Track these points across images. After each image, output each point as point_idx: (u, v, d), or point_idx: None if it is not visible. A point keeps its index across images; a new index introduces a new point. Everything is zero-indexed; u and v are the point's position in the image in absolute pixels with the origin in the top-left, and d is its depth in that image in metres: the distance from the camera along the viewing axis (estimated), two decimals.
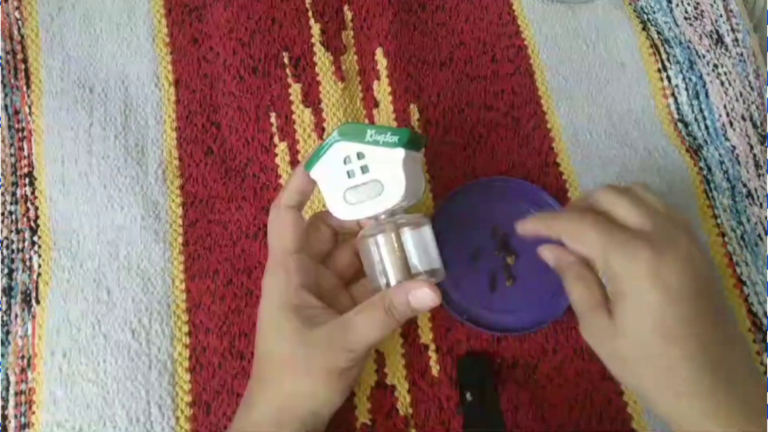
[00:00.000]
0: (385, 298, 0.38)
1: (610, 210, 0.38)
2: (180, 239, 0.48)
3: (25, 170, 0.50)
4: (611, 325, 0.36)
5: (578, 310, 0.39)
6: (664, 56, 0.55)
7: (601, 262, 0.37)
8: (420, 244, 0.40)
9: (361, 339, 0.38)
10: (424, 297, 0.38)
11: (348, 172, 0.39)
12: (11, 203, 0.49)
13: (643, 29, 0.56)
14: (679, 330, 0.35)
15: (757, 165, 0.52)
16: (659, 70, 0.55)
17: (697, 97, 0.54)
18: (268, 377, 0.40)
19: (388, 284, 0.39)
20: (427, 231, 0.40)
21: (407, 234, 0.39)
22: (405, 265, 0.39)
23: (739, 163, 0.52)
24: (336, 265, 0.44)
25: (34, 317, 0.46)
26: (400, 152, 0.39)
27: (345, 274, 0.44)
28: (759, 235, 0.49)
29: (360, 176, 0.39)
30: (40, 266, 0.47)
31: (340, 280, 0.44)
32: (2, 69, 0.53)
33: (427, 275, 0.39)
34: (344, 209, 0.40)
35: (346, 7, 0.56)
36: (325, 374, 0.38)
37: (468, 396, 0.43)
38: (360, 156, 0.39)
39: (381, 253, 0.39)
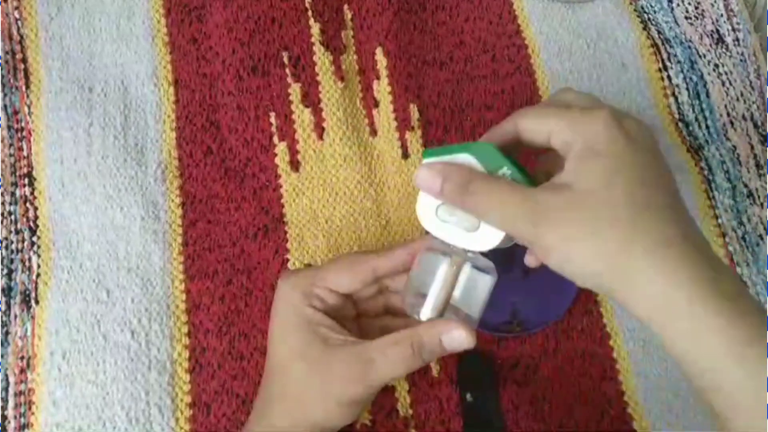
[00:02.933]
0: (414, 336, 0.36)
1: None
2: (179, 239, 0.48)
3: (25, 170, 0.50)
4: (552, 194, 0.32)
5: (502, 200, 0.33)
6: (664, 56, 0.55)
7: (560, 135, 0.33)
8: (471, 287, 0.37)
9: (382, 376, 0.37)
10: (459, 339, 0.36)
11: None
12: (10, 203, 0.49)
13: (644, 29, 0.56)
14: (648, 177, 0.32)
15: (758, 165, 0.52)
16: (660, 70, 0.55)
17: (698, 97, 0.54)
18: (280, 392, 0.39)
19: (417, 311, 0.37)
20: (487, 281, 0.37)
21: (467, 269, 0.37)
22: (446, 302, 0.37)
23: (740, 163, 0.52)
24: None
25: (33, 318, 0.46)
26: None
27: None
28: (760, 236, 0.49)
29: None
30: (39, 266, 0.47)
31: None
32: (1, 69, 0.53)
33: (458, 312, 0.37)
34: (430, 220, 0.37)
35: (345, 7, 0.56)
36: (338, 403, 0.37)
37: (468, 396, 0.43)
38: None
39: (433, 279, 0.37)
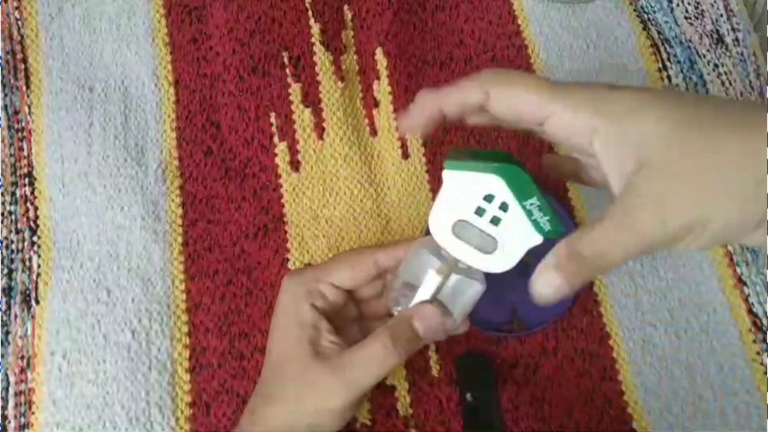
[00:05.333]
0: (384, 332, 0.36)
1: None
2: (180, 239, 0.48)
3: (25, 170, 0.50)
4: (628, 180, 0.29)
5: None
6: (664, 56, 0.55)
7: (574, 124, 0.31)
8: (458, 291, 0.37)
9: (361, 382, 0.36)
10: (431, 318, 0.35)
11: (478, 209, 0.33)
12: (11, 203, 0.49)
13: (644, 29, 0.56)
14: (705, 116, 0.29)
15: None
16: (659, 70, 0.55)
17: None
18: (269, 392, 0.39)
19: (399, 306, 0.37)
20: (475, 288, 0.37)
21: (454, 277, 0.36)
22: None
23: None
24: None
25: (33, 317, 0.46)
26: (538, 239, 0.33)
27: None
28: None
29: (485, 222, 0.34)
30: (39, 266, 0.47)
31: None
32: (2, 69, 0.53)
33: (440, 307, 0.37)
34: (442, 231, 0.35)
35: (345, 7, 0.56)
36: (320, 412, 0.37)
37: (468, 396, 0.43)
38: (503, 207, 0.33)
39: (422, 277, 0.36)
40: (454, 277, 0.36)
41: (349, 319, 0.41)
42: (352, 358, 0.36)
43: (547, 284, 0.30)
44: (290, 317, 0.39)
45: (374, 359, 0.36)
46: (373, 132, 0.52)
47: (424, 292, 0.36)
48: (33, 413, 0.44)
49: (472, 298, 0.37)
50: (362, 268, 0.40)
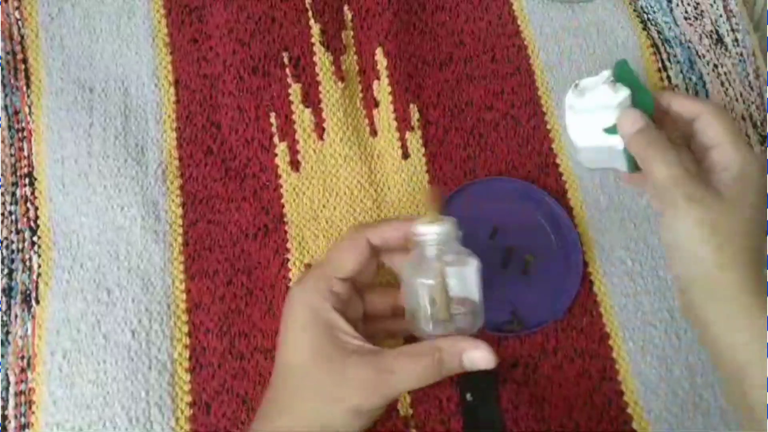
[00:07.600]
0: (436, 351, 0.36)
1: None
2: (180, 239, 0.48)
3: (25, 170, 0.50)
4: (710, 193, 0.37)
5: (671, 177, 0.38)
6: (664, 56, 0.55)
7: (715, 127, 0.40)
8: (461, 279, 0.38)
9: (400, 387, 0.37)
10: (479, 359, 0.36)
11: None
12: (11, 203, 0.49)
13: (644, 29, 0.56)
14: None
15: None
16: (659, 70, 0.55)
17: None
18: (290, 396, 0.39)
19: (419, 328, 0.38)
20: (472, 267, 0.38)
21: (451, 271, 0.37)
22: (446, 309, 0.37)
23: None
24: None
25: (33, 317, 0.46)
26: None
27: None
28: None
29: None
30: (39, 266, 0.47)
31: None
32: (2, 69, 0.53)
33: (464, 303, 0.38)
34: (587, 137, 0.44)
35: (346, 7, 0.56)
36: (353, 412, 0.37)
37: (468, 396, 0.43)
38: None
39: (422, 298, 0.37)
40: (451, 271, 0.37)
41: (355, 320, 0.41)
42: (396, 363, 0.37)
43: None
44: (311, 319, 0.39)
45: (421, 372, 0.37)
46: (373, 132, 0.52)
47: (431, 309, 0.37)
48: (33, 413, 0.44)
49: (475, 276, 0.38)
50: (356, 247, 0.41)
